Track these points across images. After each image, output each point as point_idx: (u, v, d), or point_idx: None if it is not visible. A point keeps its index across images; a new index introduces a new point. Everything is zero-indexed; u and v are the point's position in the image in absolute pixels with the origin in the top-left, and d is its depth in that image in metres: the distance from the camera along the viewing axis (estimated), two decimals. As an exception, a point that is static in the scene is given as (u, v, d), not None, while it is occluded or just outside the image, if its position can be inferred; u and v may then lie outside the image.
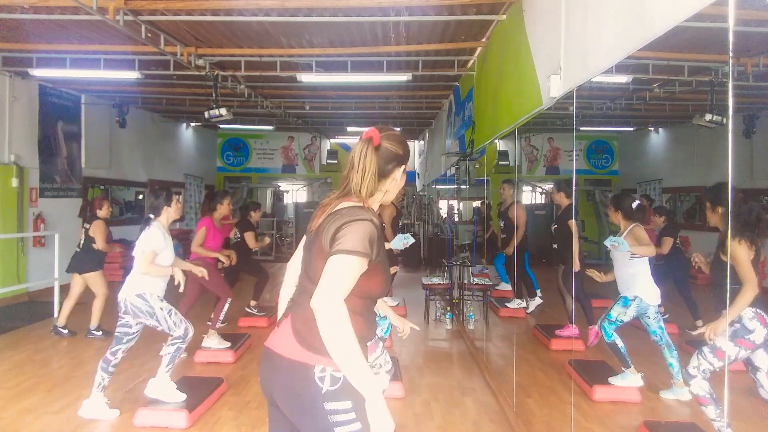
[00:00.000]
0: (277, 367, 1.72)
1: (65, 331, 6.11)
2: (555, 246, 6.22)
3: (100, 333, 6.04)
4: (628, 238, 4.46)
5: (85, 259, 6.02)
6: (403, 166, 1.87)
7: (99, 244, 5.98)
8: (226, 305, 5.52)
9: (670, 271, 6.50)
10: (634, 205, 4.63)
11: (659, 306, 4.52)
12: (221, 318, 5.52)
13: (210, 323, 5.54)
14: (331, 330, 1.59)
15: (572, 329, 5.91)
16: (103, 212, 6.10)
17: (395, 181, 1.86)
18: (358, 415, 1.64)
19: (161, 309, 3.93)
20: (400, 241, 3.77)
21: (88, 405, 3.91)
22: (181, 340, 4.00)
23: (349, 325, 1.60)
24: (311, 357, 1.66)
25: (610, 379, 4.51)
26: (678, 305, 6.79)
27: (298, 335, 1.70)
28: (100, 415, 3.89)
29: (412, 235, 5.19)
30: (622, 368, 4.51)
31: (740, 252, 3.17)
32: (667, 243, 6.37)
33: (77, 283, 6.11)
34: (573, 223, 6.00)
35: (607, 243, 4.32)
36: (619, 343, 4.46)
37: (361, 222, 1.67)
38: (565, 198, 6.26)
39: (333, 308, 1.59)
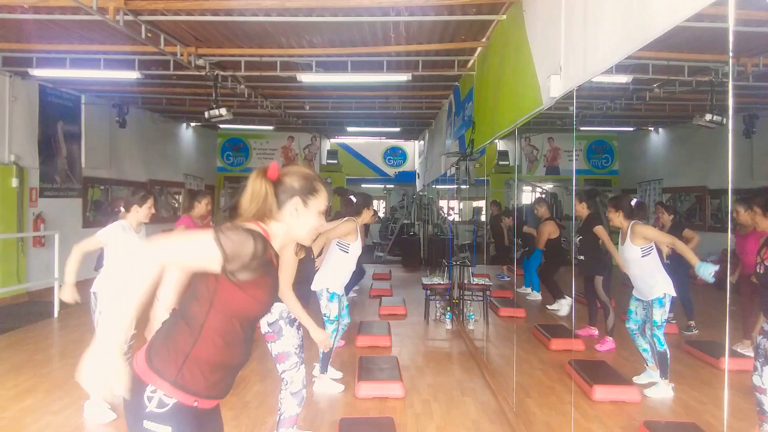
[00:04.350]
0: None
1: None
2: (582, 258, 6.08)
3: None
4: (634, 238, 4.51)
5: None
6: (297, 198, 1.78)
7: None
8: None
9: (675, 268, 6.54)
10: (633, 202, 4.69)
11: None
12: None
13: None
14: (125, 272, 1.55)
15: (609, 342, 5.81)
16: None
17: (294, 213, 1.78)
18: None
19: (99, 313, 3.79)
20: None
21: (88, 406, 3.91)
22: None
23: (143, 278, 1.53)
24: (149, 375, 1.67)
25: (646, 391, 4.45)
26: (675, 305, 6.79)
27: (149, 350, 1.72)
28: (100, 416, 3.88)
29: (411, 235, 5.16)
30: (660, 377, 4.46)
31: None
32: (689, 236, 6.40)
33: None
34: (601, 229, 5.91)
35: None
36: (669, 353, 4.47)
37: (241, 231, 1.64)
38: (587, 209, 6.21)
39: (141, 256, 1.55)
